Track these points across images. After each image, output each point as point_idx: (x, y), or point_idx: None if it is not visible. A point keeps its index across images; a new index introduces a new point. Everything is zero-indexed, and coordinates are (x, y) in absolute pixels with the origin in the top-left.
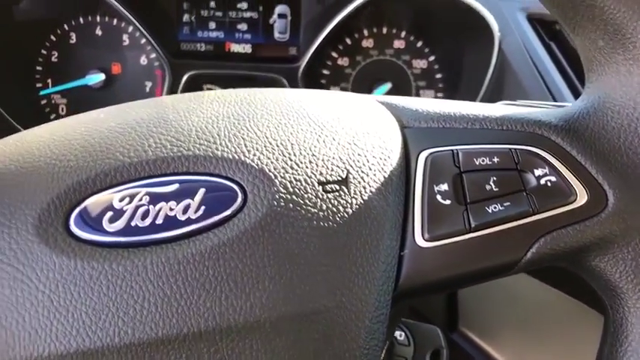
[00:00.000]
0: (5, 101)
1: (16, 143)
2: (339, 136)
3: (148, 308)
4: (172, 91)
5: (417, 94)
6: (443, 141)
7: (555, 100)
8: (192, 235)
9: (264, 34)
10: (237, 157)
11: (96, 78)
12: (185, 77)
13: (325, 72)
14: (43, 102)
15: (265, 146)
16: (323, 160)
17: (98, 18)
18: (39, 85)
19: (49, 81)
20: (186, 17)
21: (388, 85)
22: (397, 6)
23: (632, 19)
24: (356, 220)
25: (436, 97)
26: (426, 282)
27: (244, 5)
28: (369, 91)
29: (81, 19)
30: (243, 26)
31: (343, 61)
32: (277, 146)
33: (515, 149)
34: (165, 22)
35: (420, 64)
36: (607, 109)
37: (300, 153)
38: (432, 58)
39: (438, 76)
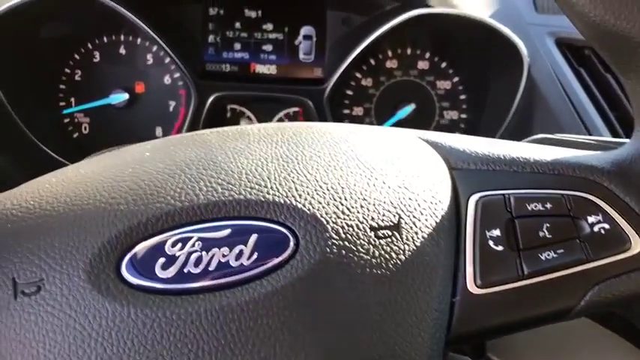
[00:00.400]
0: (28, 119)
1: (62, 183)
2: (389, 179)
3: (202, 357)
4: (198, 111)
5: (441, 115)
6: (493, 184)
7: (587, 129)
8: (245, 282)
9: (290, 55)
10: (288, 202)
11: (120, 97)
12: (211, 99)
13: (349, 92)
14: (66, 120)
15: (316, 190)
16: (374, 204)
17: (122, 37)
18: (62, 103)
19: (72, 100)
20: (211, 38)
21: (412, 106)
22: (423, 28)
23: None
24: (408, 267)
25: (460, 118)
26: (478, 329)
27: (270, 26)
28: (393, 111)
29: (105, 38)
30: (268, 47)
31: (367, 82)
32: (328, 190)
33: (567, 195)
34: (191, 43)
35: (444, 85)
36: None
37: (352, 197)
38: (456, 79)
39: (462, 97)
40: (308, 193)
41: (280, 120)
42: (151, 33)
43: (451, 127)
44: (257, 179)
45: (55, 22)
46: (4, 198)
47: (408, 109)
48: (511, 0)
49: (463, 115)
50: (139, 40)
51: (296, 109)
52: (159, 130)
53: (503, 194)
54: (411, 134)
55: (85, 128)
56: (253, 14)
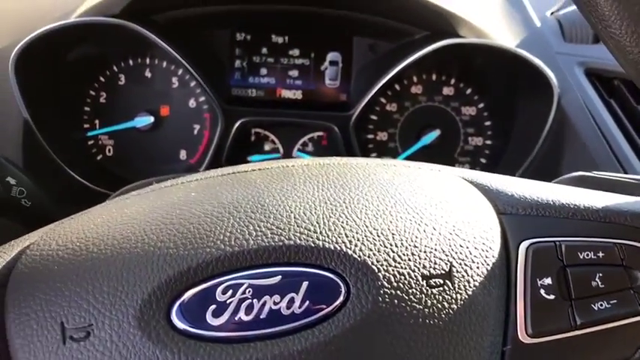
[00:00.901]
0: (52, 140)
1: (108, 223)
2: (439, 225)
3: None
4: (224, 136)
5: (466, 141)
6: (543, 231)
7: (619, 162)
8: (296, 331)
9: (315, 80)
10: (339, 248)
11: (145, 121)
12: (237, 124)
13: (373, 117)
14: (90, 142)
15: (366, 236)
16: (425, 252)
17: (148, 60)
18: (86, 125)
19: (97, 122)
20: (238, 63)
21: (437, 132)
22: (450, 56)
23: None
24: (460, 317)
25: (484, 144)
26: None
27: (296, 52)
28: (418, 137)
29: (130, 61)
30: (294, 72)
31: (392, 107)
32: (378, 236)
33: (620, 244)
34: (217, 67)
35: (469, 110)
36: None
37: (402, 244)
38: (481, 105)
39: (487, 123)
40: (358, 240)
41: (304, 144)
42: (178, 57)
43: (476, 153)
44: (306, 224)
45: (81, 45)
46: (48, 237)
47: (432, 135)
48: (539, 28)
49: (488, 142)
50: (164, 64)
51: (320, 133)
52: (183, 153)
53: (554, 242)
54: (455, 174)
55: (110, 151)
56: (280, 40)
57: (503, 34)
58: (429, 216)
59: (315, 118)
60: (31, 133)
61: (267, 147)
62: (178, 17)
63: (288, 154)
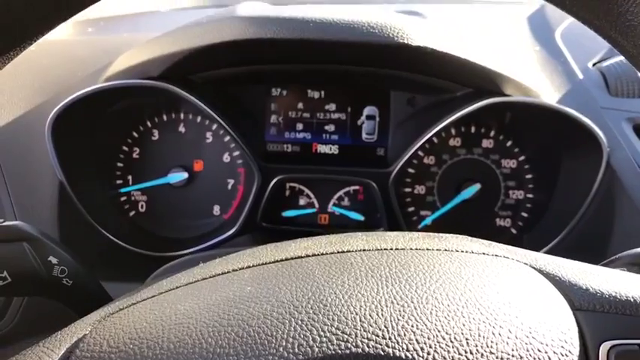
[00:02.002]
0: (84, 197)
1: (161, 322)
2: (515, 327)
3: None
4: (260, 192)
5: (507, 195)
6: (625, 332)
7: None
8: None
9: (352, 135)
10: (410, 356)
11: (178, 177)
12: (274, 181)
13: (411, 171)
14: (123, 199)
15: (439, 342)
16: (502, 358)
17: (182, 115)
18: (119, 182)
19: (130, 178)
20: (273, 118)
21: (477, 186)
22: (493, 111)
23: None
24: None
25: (526, 197)
26: None
27: (332, 106)
28: (457, 191)
29: (164, 116)
30: (330, 127)
31: (429, 160)
32: (452, 342)
33: None
34: (253, 123)
35: (509, 163)
36: None
37: (477, 350)
38: (522, 157)
39: (529, 176)
40: (430, 346)
41: (340, 198)
42: (214, 115)
43: (517, 207)
44: (373, 328)
45: (115, 103)
46: (98, 335)
47: (473, 189)
48: (582, 81)
49: (530, 195)
50: (198, 118)
51: (356, 187)
52: (216, 209)
53: (639, 344)
54: (523, 262)
55: (142, 207)
56: (316, 94)
57: (546, 89)
58: (503, 316)
59: (352, 173)
60: (66, 194)
61: (302, 201)
62: (214, 76)
63: (323, 209)
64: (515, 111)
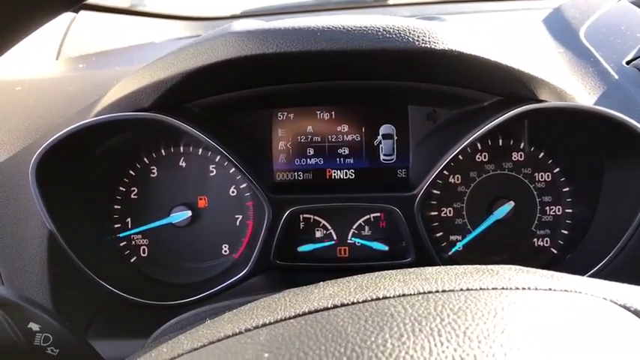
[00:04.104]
0: (77, 246)
1: None
2: None
3: None
4: (272, 227)
5: (543, 211)
6: None
7: None
8: None
9: (369, 157)
10: None
11: (182, 216)
12: (286, 214)
13: (436, 192)
14: (122, 244)
15: None
16: None
17: (181, 148)
18: (117, 225)
19: (129, 220)
20: (281, 145)
21: (510, 204)
22: (524, 120)
23: None
24: None
25: (565, 213)
26: None
27: (345, 127)
28: (488, 211)
29: (162, 151)
30: (344, 150)
31: (455, 179)
32: None
33: None
34: (259, 151)
35: (543, 177)
36: None
37: None
38: (556, 170)
39: (566, 189)
40: None
41: (360, 227)
42: (216, 145)
43: (556, 224)
44: None
45: (108, 140)
46: None
47: (506, 208)
48: (618, 80)
49: (569, 210)
50: (199, 151)
51: (377, 214)
52: (225, 248)
53: None
54: (602, 296)
55: (144, 251)
56: (326, 115)
57: (580, 92)
58: None
59: (371, 200)
60: (56, 244)
61: (318, 234)
62: (212, 103)
63: (342, 241)
64: (550, 118)
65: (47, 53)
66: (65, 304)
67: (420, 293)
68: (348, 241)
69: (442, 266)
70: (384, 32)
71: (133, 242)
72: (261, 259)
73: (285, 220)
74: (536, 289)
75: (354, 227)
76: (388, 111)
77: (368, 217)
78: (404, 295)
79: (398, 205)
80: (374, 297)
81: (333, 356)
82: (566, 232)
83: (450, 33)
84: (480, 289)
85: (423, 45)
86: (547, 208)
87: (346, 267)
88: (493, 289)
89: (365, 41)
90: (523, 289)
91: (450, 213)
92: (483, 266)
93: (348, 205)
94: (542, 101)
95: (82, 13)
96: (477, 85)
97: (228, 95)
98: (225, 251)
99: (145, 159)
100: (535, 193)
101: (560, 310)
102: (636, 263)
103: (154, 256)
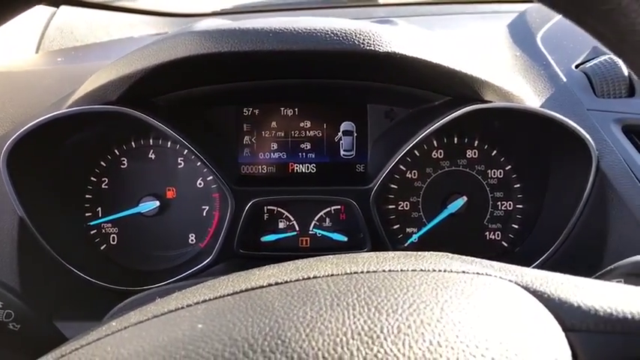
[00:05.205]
0: (48, 232)
1: None
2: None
3: None
4: (235, 217)
5: (495, 206)
6: (621, 352)
7: None
8: None
9: (329, 152)
10: None
11: (150, 205)
12: (249, 205)
13: (394, 186)
14: (93, 232)
15: None
16: None
17: (151, 141)
18: (88, 214)
19: (99, 210)
20: (246, 139)
21: (463, 199)
22: (474, 119)
23: None
24: None
25: (515, 208)
26: None
27: (307, 124)
28: (443, 204)
29: (132, 143)
30: (306, 145)
31: (412, 175)
32: None
33: None
34: (224, 145)
35: (495, 173)
36: None
37: None
38: (508, 167)
39: (517, 186)
40: None
41: (321, 219)
42: (182, 140)
43: (507, 219)
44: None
45: (79, 132)
46: None
47: (459, 203)
48: (566, 84)
49: (519, 206)
50: (168, 144)
51: (338, 206)
52: (192, 237)
53: None
54: (508, 278)
55: (114, 239)
56: (289, 112)
57: (529, 94)
58: (486, 343)
59: (331, 193)
60: (26, 231)
61: (281, 225)
62: (180, 98)
63: (304, 232)
64: (497, 118)
65: (27, 46)
66: (33, 287)
67: (346, 274)
68: (310, 232)
69: (377, 252)
70: (331, 35)
71: (103, 230)
72: (224, 248)
73: (247, 211)
74: (451, 271)
75: (315, 219)
76: (348, 109)
77: (329, 209)
78: (332, 275)
79: (355, 198)
80: (305, 277)
81: (258, 326)
82: (516, 226)
83: (395, 37)
84: (400, 270)
85: (368, 48)
86: (499, 203)
87: (307, 256)
88: (412, 270)
89: (312, 43)
90: (439, 270)
91: (406, 206)
92: (414, 252)
93: (309, 198)
94: (487, 102)
95: (63, 7)
96: (427, 86)
97: (196, 90)
98: (192, 240)
99: (116, 150)
100: (487, 189)
101: (465, 289)
102: (577, 255)
103: (123, 244)
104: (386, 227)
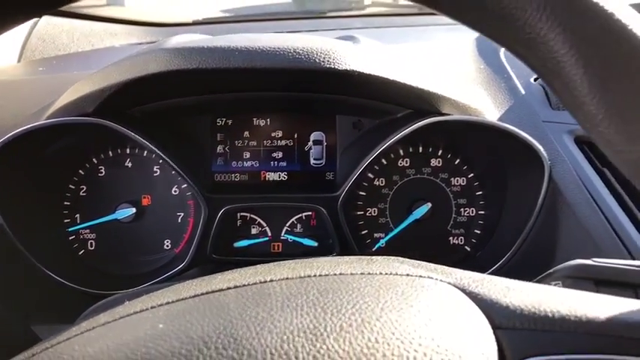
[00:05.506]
0: (26, 239)
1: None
2: (431, 350)
3: None
4: (208, 224)
5: (458, 213)
6: (545, 348)
7: (616, 233)
8: None
9: (300, 161)
10: None
11: (126, 212)
12: (221, 212)
13: (362, 193)
14: (71, 238)
15: None
16: None
17: (128, 150)
18: (67, 220)
19: (77, 216)
20: (220, 148)
21: (428, 206)
22: (436, 130)
23: None
24: None
25: (477, 214)
26: None
27: (279, 133)
28: (409, 210)
29: (110, 152)
30: (278, 154)
31: (380, 182)
32: None
33: None
34: (198, 154)
35: (459, 181)
36: None
37: None
38: (470, 175)
39: (479, 193)
40: None
41: (292, 225)
42: (156, 150)
43: (469, 225)
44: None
45: (58, 142)
46: None
47: (424, 209)
48: (524, 96)
49: (481, 212)
50: (144, 153)
51: (309, 213)
52: (167, 243)
53: None
54: (448, 280)
55: (92, 245)
56: (262, 122)
57: (489, 107)
58: (419, 339)
59: (301, 200)
60: (6, 237)
61: (254, 230)
62: (155, 109)
63: (276, 237)
64: (456, 130)
65: (9, 56)
66: (11, 291)
67: (300, 277)
68: (282, 238)
69: (336, 256)
70: (294, 53)
71: (82, 236)
72: (198, 253)
73: (220, 217)
74: (396, 274)
75: (287, 225)
76: (318, 119)
77: (300, 215)
78: (287, 278)
79: (324, 205)
80: (262, 280)
81: (213, 325)
82: (478, 231)
83: (354, 54)
84: (350, 273)
85: (327, 65)
86: (462, 209)
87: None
88: (360, 274)
89: (276, 60)
90: (385, 274)
91: (374, 213)
92: (367, 257)
93: (280, 205)
94: (445, 114)
95: (45, 17)
96: (389, 100)
97: (170, 102)
98: (167, 246)
99: (94, 159)
100: (451, 195)
101: (406, 290)
102: (531, 259)
103: (100, 249)
104: (354, 232)
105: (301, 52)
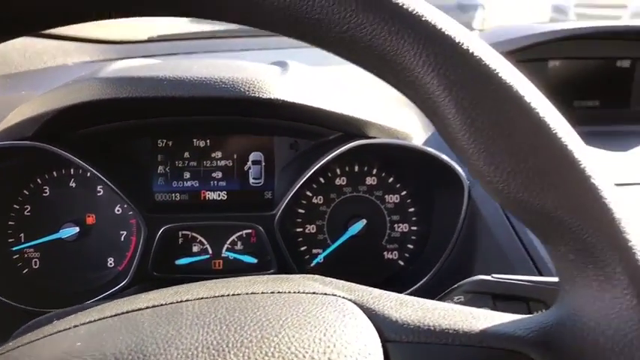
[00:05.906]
0: None
1: None
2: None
3: None
4: (148, 243)
5: (392, 228)
6: (423, 359)
7: (525, 246)
8: None
9: (239, 180)
10: None
11: (70, 231)
12: (161, 230)
13: (301, 211)
14: (15, 257)
15: None
16: None
17: (72, 170)
18: (11, 240)
19: (22, 235)
20: (160, 169)
21: (363, 222)
22: (367, 151)
23: (600, 238)
24: None
25: (410, 230)
26: None
27: (219, 154)
28: (345, 227)
29: (54, 173)
30: (218, 174)
31: (318, 200)
32: None
33: None
34: (139, 175)
35: (392, 198)
36: (583, 324)
37: None
38: (404, 192)
39: (411, 210)
40: None
41: (233, 242)
42: (94, 171)
43: (403, 240)
44: None
45: (2, 163)
46: None
47: (359, 225)
48: None
49: (414, 228)
50: (88, 174)
51: (248, 230)
52: (111, 261)
53: None
54: (349, 297)
55: (36, 263)
56: (202, 143)
57: (415, 129)
58: (312, 353)
59: (240, 218)
60: None
61: (195, 248)
62: (95, 132)
63: (217, 255)
64: (383, 151)
65: None
66: None
67: (214, 297)
68: (223, 255)
69: (255, 276)
70: (220, 82)
71: (26, 255)
72: (139, 271)
73: (160, 235)
74: (303, 292)
75: (227, 242)
76: (257, 140)
77: (240, 233)
78: (202, 298)
79: (261, 223)
80: (178, 300)
81: (126, 343)
82: (411, 246)
83: (279, 83)
84: (261, 292)
85: (252, 95)
86: (395, 225)
87: (220, 278)
88: (270, 292)
89: (203, 90)
90: (293, 292)
91: (313, 230)
92: (285, 276)
93: (220, 224)
94: (372, 137)
95: None
96: (319, 124)
97: (110, 125)
98: (111, 264)
99: (38, 179)
100: (385, 212)
101: (306, 308)
102: (454, 275)
103: (45, 267)
104: (293, 249)
105: (227, 81)
